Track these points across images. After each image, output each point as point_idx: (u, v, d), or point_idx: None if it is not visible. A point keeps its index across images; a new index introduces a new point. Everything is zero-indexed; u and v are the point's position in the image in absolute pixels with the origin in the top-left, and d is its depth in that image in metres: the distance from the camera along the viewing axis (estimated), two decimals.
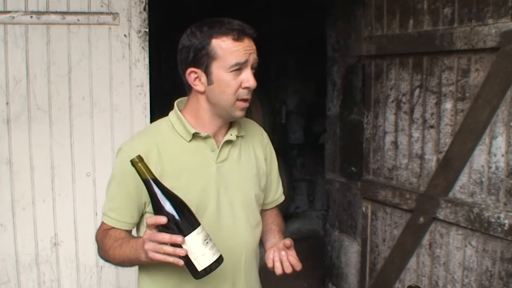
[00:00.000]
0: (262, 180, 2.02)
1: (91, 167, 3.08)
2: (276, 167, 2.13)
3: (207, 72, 1.77)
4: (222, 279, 1.81)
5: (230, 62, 1.74)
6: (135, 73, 3.09)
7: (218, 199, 1.85)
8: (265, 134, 2.11)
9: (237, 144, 1.93)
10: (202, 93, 1.81)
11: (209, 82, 1.78)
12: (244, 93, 1.79)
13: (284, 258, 1.77)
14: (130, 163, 1.63)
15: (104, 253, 1.84)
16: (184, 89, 1.89)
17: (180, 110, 1.89)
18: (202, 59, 1.76)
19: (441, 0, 2.88)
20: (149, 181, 1.61)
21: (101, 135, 3.08)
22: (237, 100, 1.79)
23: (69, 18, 2.95)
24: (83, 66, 3.02)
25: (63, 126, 3.03)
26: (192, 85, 1.82)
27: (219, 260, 1.60)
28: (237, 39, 1.75)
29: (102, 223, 1.88)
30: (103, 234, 1.85)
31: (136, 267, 1.92)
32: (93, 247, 2.97)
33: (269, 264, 1.80)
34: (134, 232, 1.92)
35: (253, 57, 1.79)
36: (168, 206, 1.58)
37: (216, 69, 1.76)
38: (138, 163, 1.61)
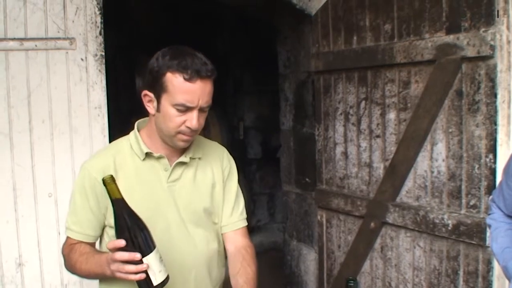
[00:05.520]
0: (216, 199, 2.04)
1: (52, 188, 3.11)
2: (233, 191, 2.11)
3: (158, 99, 1.81)
4: None
5: (177, 101, 1.76)
6: (93, 95, 3.15)
7: (168, 217, 1.92)
8: (226, 157, 2.11)
9: (193, 165, 1.98)
10: (154, 115, 1.88)
11: (158, 109, 1.83)
12: (186, 131, 1.82)
13: None
14: (90, 180, 1.72)
15: (71, 267, 1.93)
16: (142, 110, 1.93)
17: (139, 130, 1.96)
18: (156, 86, 1.80)
19: (382, 17, 3.03)
20: (118, 201, 1.69)
21: (61, 156, 3.12)
22: (178, 133, 1.83)
23: (27, 44, 3.00)
24: (42, 90, 3.06)
25: (24, 149, 3.05)
26: (146, 106, 1.88)
27: (168, 277, 1.72)
28: (189, 79, 1.74)
29: (67, 237, 1.96)
30: (69, 249, 1.93)
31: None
32: (57, 266, 3.04)
33: None
34: (97, 245, 2.01)
35: (204, 101, 1.78)
36: (133, 227, 1.68)
37: (164, 100, 1.79)
38: (110, 184, 1.68)
